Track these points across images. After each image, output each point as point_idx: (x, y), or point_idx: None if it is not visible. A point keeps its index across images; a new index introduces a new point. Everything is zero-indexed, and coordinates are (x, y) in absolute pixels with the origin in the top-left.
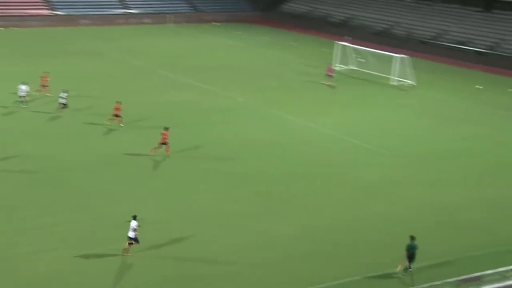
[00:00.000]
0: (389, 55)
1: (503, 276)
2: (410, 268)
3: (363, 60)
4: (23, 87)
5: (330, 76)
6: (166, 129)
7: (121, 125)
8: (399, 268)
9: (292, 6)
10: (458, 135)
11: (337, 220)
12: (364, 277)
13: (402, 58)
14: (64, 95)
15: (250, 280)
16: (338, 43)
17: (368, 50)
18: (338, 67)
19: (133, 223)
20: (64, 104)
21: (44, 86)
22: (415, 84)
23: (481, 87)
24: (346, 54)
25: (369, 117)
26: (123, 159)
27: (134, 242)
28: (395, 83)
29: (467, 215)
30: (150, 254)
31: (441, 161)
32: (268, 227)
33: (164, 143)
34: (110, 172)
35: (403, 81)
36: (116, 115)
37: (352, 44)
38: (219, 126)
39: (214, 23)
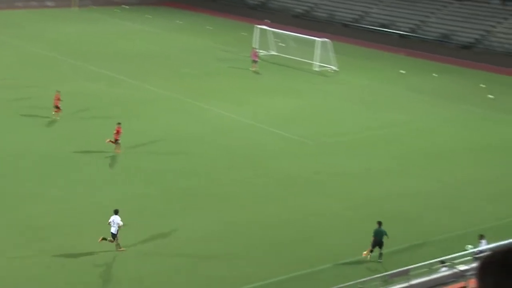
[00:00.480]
0: (310, 39)
1: (430, 269)
2: (381, 254)
3: (283, 45)
4: None
5: (254, 61)
6: (119, 124)
7: (57, 118)
8: (365, 254)
9: None
10: (383, 122)
11: (260, 215)
12: (335, 264)
13: (324, 42)
14: None
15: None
16: (257, 27)
17: (289, 34)
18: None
19: (117, 219)
20: None
21: None
22: (337, 69)
23: (404, 72)
24: (266, 39)
25: (291, 105)
26: (35, 157)
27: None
28: (317, 69)
29: (395, 206)
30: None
31: (366, 150)
32: (186, 224)
33: (116, 140)
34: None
35: (325, 66)
36: (57, 107)
37: (271, 27)
38: (136, 118)
39: (124, 6)
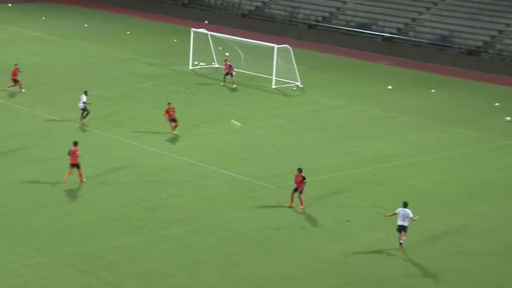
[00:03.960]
0: (265, 45)
1: None
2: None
3: (228, 54)
4: None
5: (228, 74)
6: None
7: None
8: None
9: None
10: (364, 157)
11: None
12: None
13: (283, 49)
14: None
15: None
16: (194, 30)
17: (237, 40)
18: (196, 65)
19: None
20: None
21: None
22: (301, 85)
23: (391, 88)
24: (206, 46)
25: (242, 138)
26: None
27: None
28: (275, 86)
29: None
30: None
31: (340, 194)
32: None
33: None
34: None
35: (286, 82)
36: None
37: (212, 31)
38: (20, 161)
39: (9, 4)
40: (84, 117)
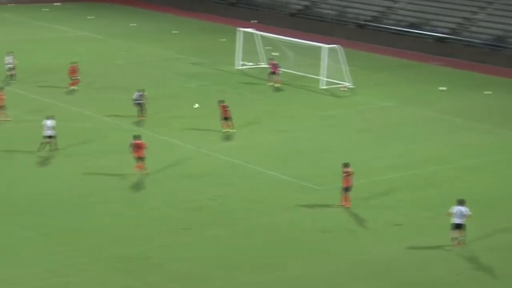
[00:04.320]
0: (314, 45)
1: None
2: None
3: (277, 54)
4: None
5: (273, 73)
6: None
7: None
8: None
9: None
10: (415, 159)
11: None
12: None
13: (333, 49)
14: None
15: None
16: (241, 30)
17: (285, 39)
18: (243, 65)
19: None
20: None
21: None
22: (352, 86)
23: (444, 89)
24: (253, 46)
25: (288, 139)
26: None
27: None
28: (324, 86)
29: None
30: None
31: (390, 197)
32: None
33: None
34: None
35: (336, 82)
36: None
37: (260, 30)
38: (64, 162)
39: (56, 3)
40: (142, 114)
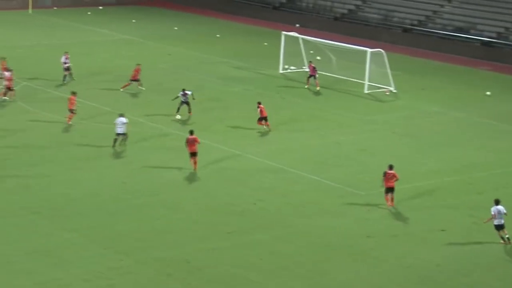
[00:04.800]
0: (358, 49)
1: None
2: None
3: (320, 58)
4: None
5: (312, 76)
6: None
7: (142, 88)
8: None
9: None
10: (460, 164)
11: None
12: None
13: (377, 53)
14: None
15: None
16: (285, 34)
17: (328, 43)
18: (286, 69)
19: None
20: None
21: None
22: (395, 91)
23: (490, 94)
24: (296, 50)
25: (331, 143)
26: None
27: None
28: (368, 91)
29: None
30: None
31: (434, 202)
32: None
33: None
34: None
35: (379, 87)
36: (136, 80)
37: (303, 34)
38: (104, 166)
39: (100, 7)
40: (189, 111)
